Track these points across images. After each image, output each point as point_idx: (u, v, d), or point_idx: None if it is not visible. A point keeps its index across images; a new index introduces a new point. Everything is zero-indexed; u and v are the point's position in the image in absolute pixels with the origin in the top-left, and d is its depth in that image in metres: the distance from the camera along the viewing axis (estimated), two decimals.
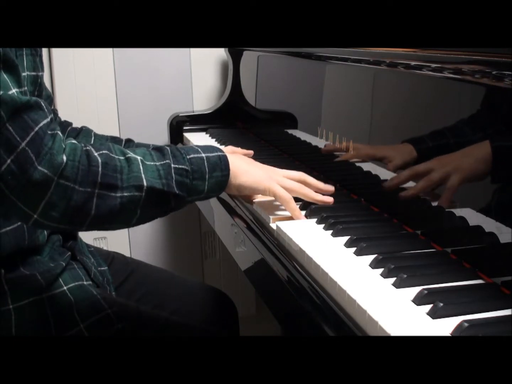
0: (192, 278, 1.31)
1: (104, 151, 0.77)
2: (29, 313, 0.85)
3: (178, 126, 1.73)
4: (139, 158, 0.78)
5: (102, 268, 1.06)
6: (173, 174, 0.79)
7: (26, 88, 0.75)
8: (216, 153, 0.85)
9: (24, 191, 0.70)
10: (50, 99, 1.12)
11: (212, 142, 1.55)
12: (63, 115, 1.18)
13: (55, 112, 1.15)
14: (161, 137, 1.78)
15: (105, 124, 1.74)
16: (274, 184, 0.88)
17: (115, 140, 1.15)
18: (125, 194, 0.75)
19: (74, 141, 0.75)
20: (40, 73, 0.92)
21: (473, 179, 0.74)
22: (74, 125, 1.18)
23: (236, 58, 1.75)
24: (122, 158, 0.77)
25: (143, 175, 0.77)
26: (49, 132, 0.72)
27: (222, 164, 0.84)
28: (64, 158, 0.72)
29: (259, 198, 0.97)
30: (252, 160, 0.94)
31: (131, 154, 0.78)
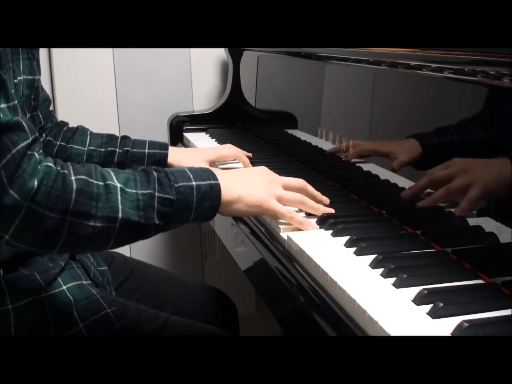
0: (192, 278, 1.31)
1: (82, 176, 0.73)
2: (28, 313, 0.85)
3: (178, 126, 1.73)
4: (119, 186, 0.75)
5: (102, 268, 1.06)
6: (156, 204, 0.76)
7: (15, 102, 0.73)
8: (208, 182, 0.80)
9: None
10: (47, 101, 1.12)
11: (212, 142, 1.55)
12: (63, 116, 1.19)
13: (51, 114, 1.15)
14: (161, 137, 1.77)
15: (105, 124, 1.74)
16: (272, 203, 0.85)
17: (111, 138, 1.14)
18: (98, 224, 0.72)
19: (50, 164, 0.72)
20: (37, 77, 0.92)
21: (493, 195, 0.71)
22: (72, 125, 1.17)
23: (236, 58, 1.75)
24: (101, 184, 0.74)
25: (119, 206, 0.74)
26: (28, 153, 0.70)
27: (213, 194, 0.80)
28: (36, 182, 0.69)
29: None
30: (248, 173, 0.90)
31: (111, 182, 0.75)
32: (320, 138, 1.18)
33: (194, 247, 1.95)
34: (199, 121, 1.75)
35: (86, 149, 1.12)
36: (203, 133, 1.69)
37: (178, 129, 1.72)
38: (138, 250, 1.88)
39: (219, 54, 1.86)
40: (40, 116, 1.07)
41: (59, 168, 0.73)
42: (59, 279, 0.90)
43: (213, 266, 1.98)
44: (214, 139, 1.57)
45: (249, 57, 1.66)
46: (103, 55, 1.74)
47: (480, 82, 0.71)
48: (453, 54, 0.75)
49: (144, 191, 0.76)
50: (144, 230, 0.76)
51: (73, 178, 0.73)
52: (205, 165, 1.15)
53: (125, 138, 1.15)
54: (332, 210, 0.90)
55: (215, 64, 1.88)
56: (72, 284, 0.91)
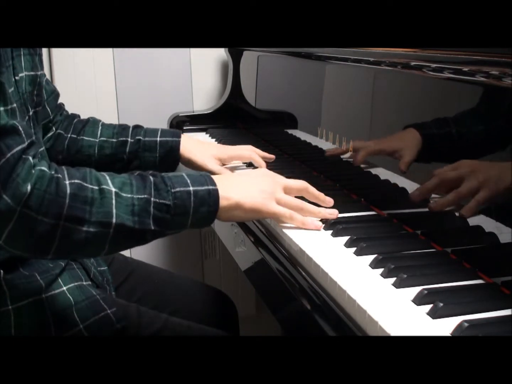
0: (192, 278, 1.31)
1: (76, 180, 0.72)
2: (29, 313, 0.85)
3: (178, 126, 1.73)
4: (113, 190, 0.74)
5: (102, 268, 1.06)
6: (152, 210, 0.75)
7: (14, 105, 0.73)
8: (206, 187, 0.79)
9: None
10: (54, 94, 1.12)
11: (212, 142, 1.55)
12: None
13: (61, 106, 1.16)
14: None
15: None
16: (271, 206, 0.83)
17: (123, 127, 1.13)
18: (91, 229, 0.71)
19: (43, 168, 0.71)
20: (39, 73, 0.92)
21: (500, 197, 0.70)
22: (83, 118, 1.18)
23: (236, 58, 1.75)
24: (95, 188, 0.73)
25: (114, 211, 0.73)
26: (23, 157, 0.70)
27: (211, 199, 0.78)
28: (29, 187, 0.68)
29: None
30: (248, 177, 0.88)
31: (106, 186, 0.74)
32: (320, 138, 1.18)
33: (194, 247, 1.95)
34: (199, 121, 1.74)
35: (97, 140, 1.11)
36: (203, 133, 1.69)
37: (178, 129, 1.72)
38: (138, 250, 1.86)
39: (219, 54, 1.86)
40: (48, 110, 1.07)
41: (53, 172, 0.72)
42: (60, 280, 0.89)
43: (213, 266, 1.98)
44: (214, 139, 1.57)
45: (249, 57, 1.66)
46: (103, 55, 1.74)
47: (480, 82, 0.71)
48: (453, 54, 0.75)
49: (140, 196, 0.75)
50: (140, 235, 0.76)
51: (67, 182, 0.72)
52: (214, 162, 1.12)
53: (137, 127, 1.13)
54: (335, 212, 0.88)
55: (215, 64, 1.88)
56: (72, 284, 0.91)
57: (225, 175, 0.88)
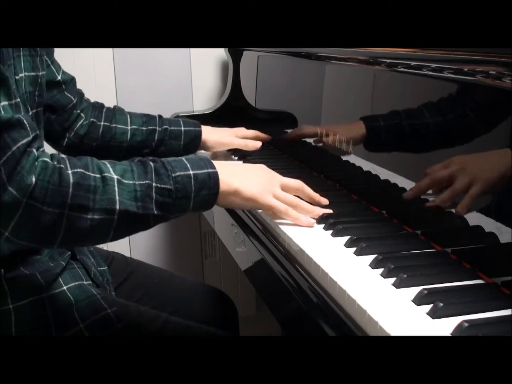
0: (192, 278, 1.31)
1: (78, 170, 0.73)
2: (29, 313, 0.85)
3: None
4: (115, 177, 0.75)
5: (102, 268, 1.06)
6: (154, 195, 0.76)
7: (18, 99, 0.74)
8: (206, 170, 0.80)
9: None
10: (73, 81, 1.16)
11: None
12: None
13: (80, 92, 1.18)
14: None
15: None
16: (268, 199, 0.85)
17: (150, 117, 1.21)
18: (96, 216, 0.73)
19: (46, 159, 0.72)
20: (41, 73, 0.92)
21: (494, 189, 0.70)
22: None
23: (236, 58, 1.74)
24: (98, 176, 0.74)
25: (117, 198, 0.74)
26: (27, 149, 0.71)
27: (211, 182, 0.80)
28: (33, 179, 0.70)
29: None
30: (247, 169, 0.90)
31: (108, 174, 0.75)
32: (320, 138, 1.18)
33: (194, 247, 1.95)
34: (199, 121, 1.74)
35: (129, 128, 1.18)
36: None
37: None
38: (138, 250, 1.87)
39: (219, 54, 1.86)
40: (69, 96, 1.12)
41: (55, 163, 0.73)
42: (60, 279, 0.90)
43: (213, 266, 1.98)
44: None
45: (249, 57, 1.66)
46: (103, 55, 1.74)
47: (480, 82, 0.71)
48: (453, 54, 0.75)
49: (142, 182, 0.76)
50: (143, 220, 0.77)
51: (69, 172, 0.73)
52: (232, 139, 1.25)
53: (160, 117, 1.22)
54: (329, 211, 0.90)
55: (215, 64, 1.88)
56: (73, 284, 0.91)
57: (225, 163, 0.90)
